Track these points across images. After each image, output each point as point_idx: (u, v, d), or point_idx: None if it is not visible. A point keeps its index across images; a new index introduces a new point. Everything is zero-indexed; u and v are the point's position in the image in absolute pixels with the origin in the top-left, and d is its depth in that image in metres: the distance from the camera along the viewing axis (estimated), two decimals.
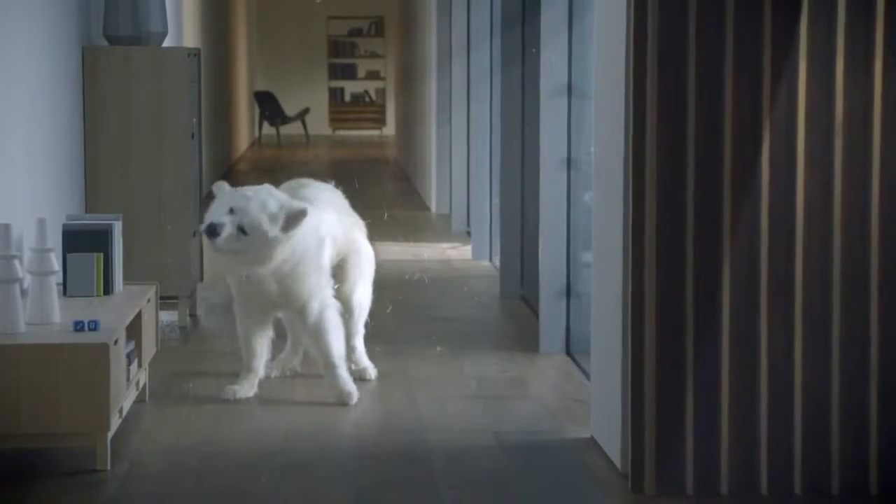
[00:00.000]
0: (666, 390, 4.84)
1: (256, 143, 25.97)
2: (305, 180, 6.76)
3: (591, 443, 5.53)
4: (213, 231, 5.96)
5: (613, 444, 5.20)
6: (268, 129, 26.64)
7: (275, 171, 18.34)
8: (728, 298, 4.80)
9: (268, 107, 26.11)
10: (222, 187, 6.17)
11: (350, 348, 6.64)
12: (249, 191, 6.11)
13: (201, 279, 8.35)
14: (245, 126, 23.96)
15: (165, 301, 7.55)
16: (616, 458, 5.16)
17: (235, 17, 21.67)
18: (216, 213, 6.04)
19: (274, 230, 6.00)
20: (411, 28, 18.66)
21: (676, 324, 4.82)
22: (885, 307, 4.78)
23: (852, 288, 4.79)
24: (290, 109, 26.69)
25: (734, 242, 4.78)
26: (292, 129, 26.73)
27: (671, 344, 4.83)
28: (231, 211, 6.02)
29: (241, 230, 5.98)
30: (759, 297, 4.80)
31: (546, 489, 5.03)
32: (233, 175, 18.21)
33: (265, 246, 6.01)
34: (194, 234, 8.00)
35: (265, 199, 6.06)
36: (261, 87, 27.51)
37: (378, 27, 28.98)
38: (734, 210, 4.78)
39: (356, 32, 29.17)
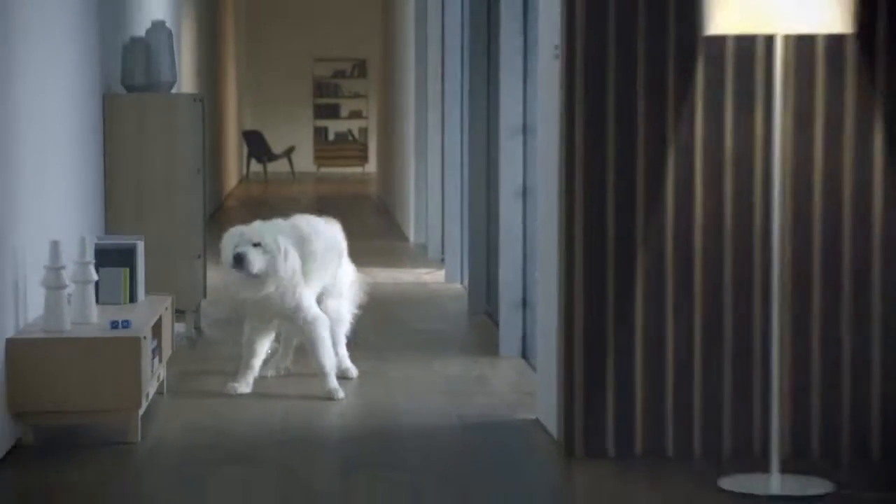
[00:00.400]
0: (591, 379, 5.92)
1: (244, 179, 26.64)
2: (301, 217, 7.84)
3: (537, 423, 6.63)
4: (240, 259, 7.10)
5: (552, 422, 6.30)
6: (255, 166, 27.30)
7: (262, 206, 19.23)
8: (640, 304, 5.89)
9: (255, 145, 26.71)
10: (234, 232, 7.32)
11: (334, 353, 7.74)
12: (249, 228, 7.25)
13: (204, 296, 9.43)
14: (234, 164, 24.63)
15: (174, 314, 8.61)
16: (554, 432, 6.25)
17: (226, 60, 22.41)
18: (233, 250, 7.19)
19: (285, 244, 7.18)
20: (392, 70, 19.38)
21: (600, 326, 5.90)
22: (765, 306, 5.88)
23: (740, 291, 5.90)
24: (276, 147, 27.34)
25: (645, 255, 5.89)
26: (279, 167, 27.38)
27: (595, 342, 5.92)
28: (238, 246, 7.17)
29: (256, 246, 7.13)
30: (665, 302, 5.90)
31: (498, 455, 6.12)
32: (223, 211, 19.15)
33: (277, 261, 7.16)
34: (199, 257, 9.07)
35: (265, 227, 7.24)
36: (249, 126, 28.13)
37: (361, 69, 29.48)
38: (646, 229, 5.89)
39: (340, 74, 29.68)
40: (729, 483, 5.48)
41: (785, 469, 5.67)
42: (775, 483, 5.42)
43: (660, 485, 5.60)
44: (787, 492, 5.36)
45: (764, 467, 5.68)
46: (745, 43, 5.82)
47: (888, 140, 5.85)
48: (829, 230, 5.87)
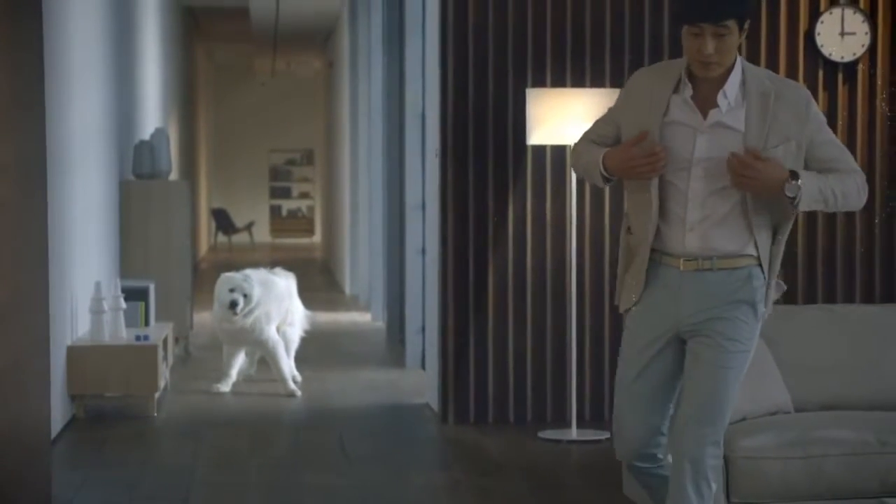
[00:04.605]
0: (458, 372, 7.71)
1: (213, 248, 27.34)
2: (262, 271, 9.50)
3: (426, 405, 8.36)
4: (233, 304, 8.75)
5: (434, 402, 8.06)
6: (221, 237, 27.90)
7: (229, 268, 20.49)
8: (490, 320, 7.67)
9: (222, 220, 27.03)
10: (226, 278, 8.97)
11: None
12: (238, 276, 8.91)
13: (191, 328, 11.14)
14: (204, 235, 25.16)
15: None
16: (435, 408, 8.02)
17: (199, 152, 23.22)
18: (228, 294, 8.78)
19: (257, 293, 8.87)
20: (333, 160, 20.13)
21: (464, 339, 7.67)
22: (580, 304, 7.69)
23: (556, 305, 7.70)
24: (239, 222, 27.73)
25: (494, 286, 7.70)
26: (241, 238, 27.85)
27: (461, 348, 7.69)
28: (233, 290, 8.87)
29: (245, 297, 8.82)
30: (507, 317, 7.69)
31: (399, 422, 7.93)
32: (198, 272, 20.56)
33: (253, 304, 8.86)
34: (188, 299, 10.77)
35: (249, 279, 8.94)
36: (216, 204, 28.20)
37: (309, 158, 29.69)
38: (494, 268, 7.72)
39: (291, 162, 29.97)
40: (545, 434, 7.34)
41: (584, 426, 7.53)
42: (574, 433, 7.29)
43: (500, 436, 7.37)
44: (579, 438, 7.23)
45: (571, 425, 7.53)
46: (558, 149, 7.71)
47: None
48: (614, 266, 7.75)
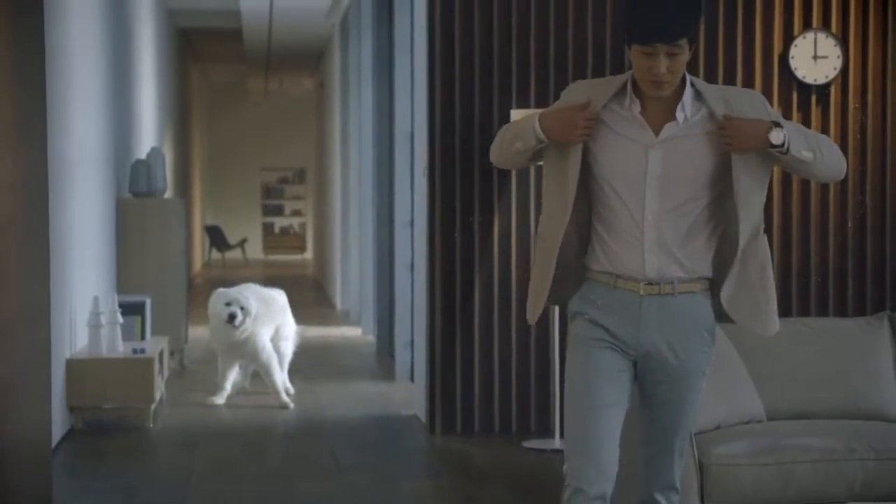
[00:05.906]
0: (445, 385, 7.84)
1: (207, 264, 27.26)
2: (254, 285, 9.63)
3: (415, 416, 8.48)
4: (232, 317, 8.86)
5: (422, 413, 8.18)
6: (215, 254, 28.00)
7: (223, 284, 20.56)
8: (477, 333, 7.82)
9: (215, 237, 27.02)
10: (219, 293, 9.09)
11: None
12: (232, 291, 9.05)
13: (186, 341, 11.24)
14: (199, 251, 25.21)
15: None
16: (423, 419, 8.15)
17: (194, 170, 23.38)
18: (225, 308, 8.88)
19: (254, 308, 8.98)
20: (324, 178, 20.21)
21: (450, 352, 7.82)
22: (562, 318, 7.83)
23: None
24: (232, 239, 27.85)
25: (480, 298, 7.84)
26: (234, 254, 27.93)
27: (447, 362, 7.83)
28: (229, 304, 8.97)
29: (243, 310, 8.93)
30: (493, 329, 7.84)
31: (388, 432, 8.03)
32: (192, 288, 20.67)
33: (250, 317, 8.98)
34: (183, 313, 10.87)
35: (243, 293, 9.05)
36: (210, 221, 28.22)
37: (301, 176, 29.80)
38: (480, 278, 7.86)
39: (283, 180, 30.04)
40: (529, 444, 7.46)
41: None
42: (557, 443, 7.41)
43: (486, 446, 7.48)
44: (562, 447, 7.32)
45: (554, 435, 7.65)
46: (541, 167, 7.82)
47: None
48: None
